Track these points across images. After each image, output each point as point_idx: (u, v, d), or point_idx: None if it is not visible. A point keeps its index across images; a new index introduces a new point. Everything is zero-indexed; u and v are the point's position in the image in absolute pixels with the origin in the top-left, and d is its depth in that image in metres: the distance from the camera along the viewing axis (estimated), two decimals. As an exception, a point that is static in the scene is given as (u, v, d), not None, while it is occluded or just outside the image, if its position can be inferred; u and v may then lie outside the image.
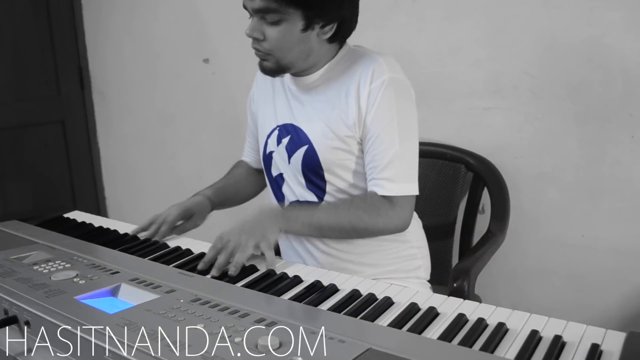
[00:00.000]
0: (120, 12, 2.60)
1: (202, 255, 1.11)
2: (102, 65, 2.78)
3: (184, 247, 1.15)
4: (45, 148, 2.80)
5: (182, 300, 0.83)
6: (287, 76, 1.27)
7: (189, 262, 1.08)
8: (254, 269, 1.04)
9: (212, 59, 2.33)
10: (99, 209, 2.95)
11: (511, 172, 1.65)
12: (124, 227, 1.30)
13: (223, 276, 1.00)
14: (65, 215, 1.43)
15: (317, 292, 0.93)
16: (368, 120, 1.17)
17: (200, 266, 1.03)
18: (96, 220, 1.37)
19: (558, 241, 1.64)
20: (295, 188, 1.27)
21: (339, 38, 1.21)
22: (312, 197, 1.26)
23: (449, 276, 1.34)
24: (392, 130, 1.16)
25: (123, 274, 0.94)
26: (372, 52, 1.21)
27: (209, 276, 0.99)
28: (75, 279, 0.91)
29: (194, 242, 1.19)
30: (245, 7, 1.18)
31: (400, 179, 1.17)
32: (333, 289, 0.94)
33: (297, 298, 0.90)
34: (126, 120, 2.76)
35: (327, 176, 1.23)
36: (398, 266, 1.28)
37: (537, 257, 1.69)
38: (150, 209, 2.97)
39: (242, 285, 0.95)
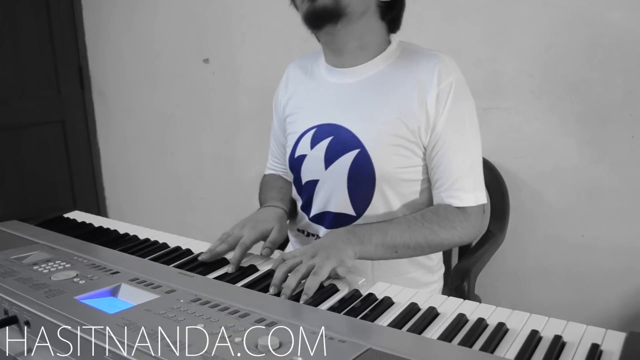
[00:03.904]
0: (120, 12, 2.60)
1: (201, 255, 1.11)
2: (102, 65, 2.78)
3: (184, 247, 1.15)
4: (45, 148, 2.80)
5: (182, 300, 0.82)
6: (332, 70, 1.19)
7: (189, 262, 1.07)
8: (253, 269, 1.04)
9: (212, 59, 2.33)
10: (99, 209, 2.95)
11: (511, 172, 1.65)
12: (124, 227, 1.29)
13: (223, 276, 1.00)
14: (65, 215, 1.43)
15: (317, 292, 0.93)
16: (439, 127, 1.09)
17: (272, 290, 0.91)
18: (96, 220, 1.37)
19: (558, 241, 1.64)
20: (333, 198, 1.16)
21: (390, 18, 1.15)
22: (349, 211, 1.15)
23: (449, 276, 1.34)
24: (466, 138, 1.11)
25: (123, 274, 0.94)
26: (430, 50, 1.14)
27: (210, 277, 0.99)
28: (75, 279, 0.91)
29: (194, 242, 1.19)
30: None
31: (476, 187, 1.12)
32: (333, 289, 0.93)
33: (297, 298, 0.90)
34: (126, 120, 2.76)
35: (378, 187, 1.12)
36: (423, 289, 1.23)
37: (537, 257, 1.69)
38: (150, 209, 2.98)
39: (242, 285, 0.95)
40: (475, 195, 1.12)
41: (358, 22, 1.10)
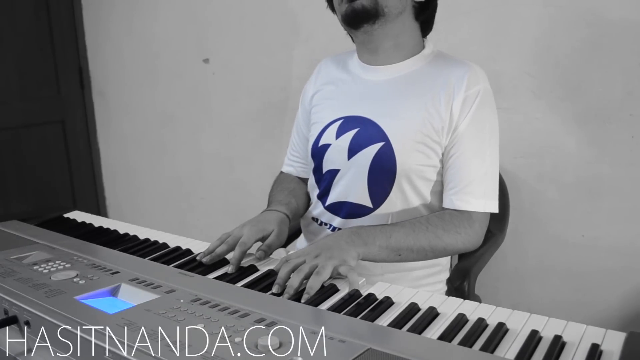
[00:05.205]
0: (120, 12, 2.60)
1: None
2: (102, 65, 2.78)
3: (184, 247, 1.15)
4: (45, 148, 2.80)
5: (182, 300, 0.82)
6: (365, 67, 1.22)
7: (189, 262, 1.08)
8: (254, 269, 1.04)
9: (212, 59, 2.33)
10: (99, 209, 2.95)
11: (511, 172, 1.65)
12: (124, 227, 1.29)
13: (223, 276, 1.00)
14: (65, 215, 1.43)
15: (317, 292, 0.93)
16: (460, 130, 1.12)
17: (275, 289, 0.92)
18: (96, 220, 1.37)
19: (558, 241, 1.64)
20: (352, 189, 1.18)
21: (424, 18, 1.18)
22: (367, 202, 1.17)
23: (449, 276, 1.34)
24: (484, 145, 1.13)
25: (123, 274, 0.94)
26: (461, 59, 1.18)
27: (210, 277, 0.99)
28: (75, 279, 0.91)
29: (194, 242, 1.19)
30: None
31: (487, 195, 1.13)
32: (333, 289, 0.93)
33: (298, 298, 0.90)
34: (126, 120, 2.76)
35: (397, 182, 1.14)
36: (426, 288, 1.24)
37: (537, 257, 1.69)
38: (150, 209, 2.98)
39: (242, 285, 0.95)
40: (484, 202, 1.13)
41: (394, 22, 1.14)
